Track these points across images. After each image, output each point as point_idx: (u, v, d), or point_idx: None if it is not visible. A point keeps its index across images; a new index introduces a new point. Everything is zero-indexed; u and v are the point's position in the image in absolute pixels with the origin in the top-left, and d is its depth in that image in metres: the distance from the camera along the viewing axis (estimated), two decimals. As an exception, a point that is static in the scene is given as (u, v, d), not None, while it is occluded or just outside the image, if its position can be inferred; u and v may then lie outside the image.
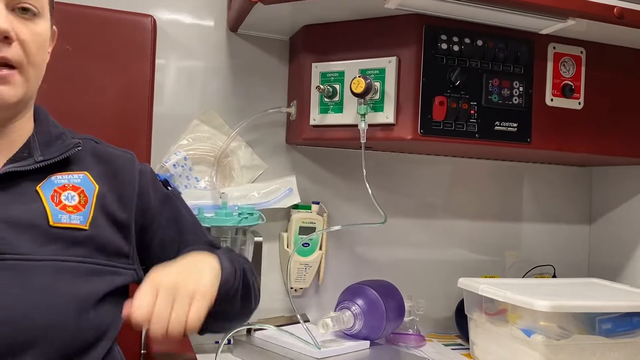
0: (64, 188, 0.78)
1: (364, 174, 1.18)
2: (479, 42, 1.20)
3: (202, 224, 1.00)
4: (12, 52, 0.72)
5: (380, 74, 1.19)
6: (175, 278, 0.71)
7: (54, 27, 0.84)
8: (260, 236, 1.29)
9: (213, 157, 1.37)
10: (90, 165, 0.82)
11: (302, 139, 1.33)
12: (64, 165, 0.80)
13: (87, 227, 0.76)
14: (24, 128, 0.80)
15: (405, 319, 1.35)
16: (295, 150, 1.47)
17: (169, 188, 0.92)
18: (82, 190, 0.79)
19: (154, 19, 1.26)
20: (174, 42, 1.37)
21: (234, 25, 1.37)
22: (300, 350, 1.15)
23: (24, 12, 0.74)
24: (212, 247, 0.94)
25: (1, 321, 0.67)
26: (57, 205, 0.76)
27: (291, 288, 1.42)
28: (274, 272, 1.44)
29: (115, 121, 1.22)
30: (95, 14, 1.23)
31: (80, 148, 0.81)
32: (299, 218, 1.39)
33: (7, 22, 0.71)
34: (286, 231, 1.43)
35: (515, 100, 1.24)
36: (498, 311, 1.21)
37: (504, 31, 1.22)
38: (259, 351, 1.21)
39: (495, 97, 1.22)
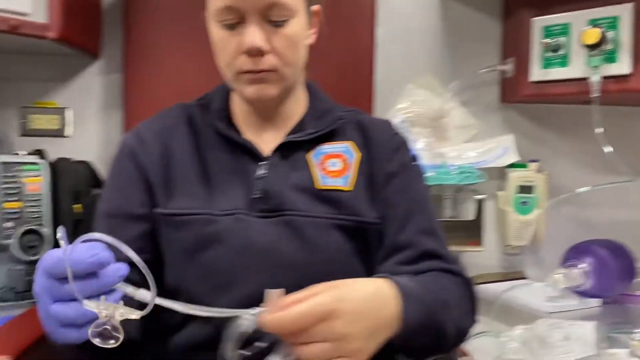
0: (329, 156, 0.87)
1: (595, 130, 1.14)
2: None
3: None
4: (266, 63, 0.79)
5: (613, 22, 1.13)
6: (349, 322, 0.61)
7: (315, 7, 0.88)
8: (482, 194, 1.31)
9: (428, 118, 1.42)
10: (353, 135, 0.90)
11: (521, 97, 1.32)
12: (331, 135, 0.89)
13: (348, 189, 0.85)
14: (297, 105, 0.91)
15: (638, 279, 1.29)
16: (510, 108, 1.46)
17: (414, 163, 0.93)
18: (345, 158, 0.87)
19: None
20: (392, 8, 1.43)
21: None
22: (527, 304, 1.17)
23: (276, 24, 0.79)
24: (427, 255, 0.85)
25: (286, 267, 0.79)
26: (323, 170, 0.86)
27: (507, 245, 1.44)
28: (489, 230, 1.46)
29: (339, 86, 1.30)
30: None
31: (344, 120, 0.90)
32: (517, 177, 1.38)
33: (259, 39, 0.77)
34: (502, 190, 1.43)
35: None
36: None
37: None
38: (480, 303, 1.25)
39: None
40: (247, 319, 0.59)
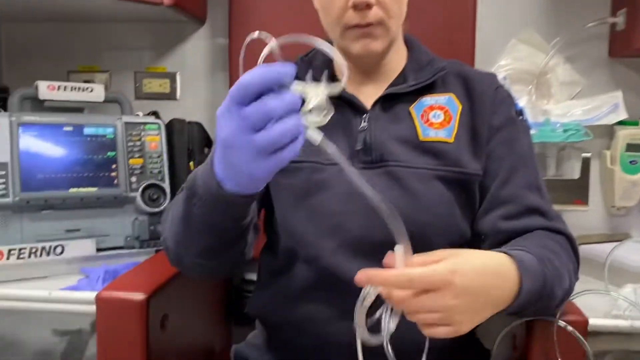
0: (431, 108, 0.88)
1: None
2: None
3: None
4: (373, 16, 0.81)
5: None
6: (459, 295, 0.62)
7: None
8: (588, 152, 1.28)
9: (531, 75, 1.38)
10: (455, 87, 0.90)
11: (632, 50, 1.25)
12: (432, 87, 0.90)
13: (451, 141, 0.86)
14: (398, 58, 0.92)
15: None
16: (619, 63, 1.39)
17: (520, 118, 0.93)
18: (447, 110, 0.88)
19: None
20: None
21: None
22: (635, 264, 1.14)
23: None
24: (530, 211, 0.85)
25: None
26: (425, 122, 0.87)
27: (613, 206, 1.39)
28: (593, 189, 1.41)
29: (440, 42, 1.27)
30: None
31: (445, 71, 0.90)
32: (626, 135, 1.33)
33: None
34: (608, 148, 1.38)
35: None
36: None
37: None
38: (585, 262, 1.22)
39: None
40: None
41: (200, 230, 0.72)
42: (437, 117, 0.87)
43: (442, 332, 0.62)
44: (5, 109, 1.16)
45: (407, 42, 0.95)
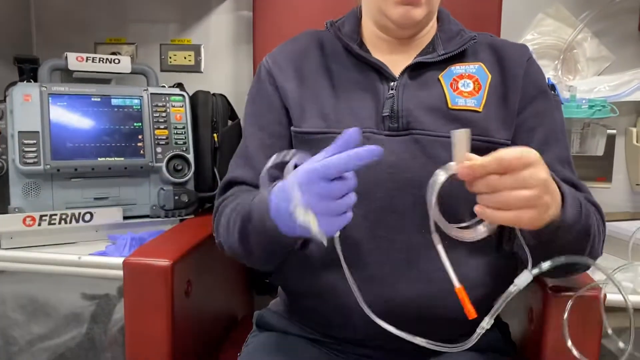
0: (461, 77, 0.88)
1: None
2: None
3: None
4: None
5: None
6: (545, 179, 0.65)
7: None
8: (613, 129, 1.26)
9: (558, 50, 1.36)
10: (484, 57, 0.90)
11: (664, 25, 1.23)
12: (462, 57, 0.90)
13: (480, 110, 0.86)
14: (430, 29, 0.92)
15: None
16: (649, 38, 1.36)
17: (553, 93, 0.93)
18: (477, 79, 0.88)
19: None
20: None
21: None
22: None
23: None
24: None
25: (414, 183, 0.82)
26: (454, 91, 0.87)
27: (638, 184, 1.38)
28: (618, 167, 1.40)
29: (466, 15, 1.25)
30: None
31: (475, 41, 0.90)
32: (654, 111, 1.31)
33: None
34: (634, 125, 1.36)
35: None
36: None
37: None
38: (608, 240, 1.22)
39: None
40: (441, 174, 0.67)
41: (258, 254, 0.81)
42: (467, 86, 0.88)
43: (527, 216, 0.64)
44: (35, 80, 1.19)
45: (438, 13, 0.94)
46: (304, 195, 0.65)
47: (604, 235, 0.84)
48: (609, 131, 1.26)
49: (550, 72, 1.36)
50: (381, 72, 0.88)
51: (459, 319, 0.73)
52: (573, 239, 0.73)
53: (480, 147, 0.85)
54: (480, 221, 0.68)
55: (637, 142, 1.34)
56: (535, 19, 1.38)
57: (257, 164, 0.88)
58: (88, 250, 1.08)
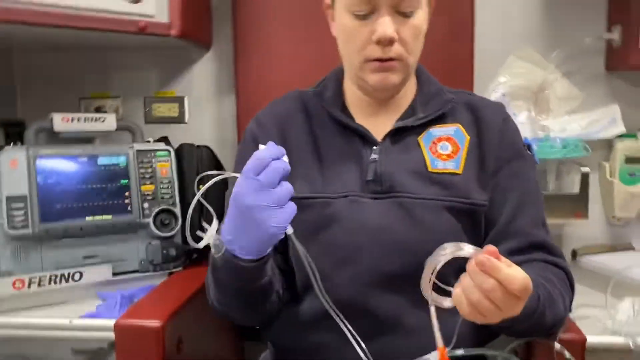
0: (439, 139, 0.91)
1: None
2: None
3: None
4: (394, 52, 0.84)
5: None
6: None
7: None
8: (587, 167, 1.31)
9: (530, 91, 1.41)
10: (462, 117, 0.93)
11: (629, 65, 1.29)
12: (441, 118, 0.92)
13: (460, 172, 0.89)
14: (408, 92, 0.95)
15: None
16: (616, 77, 1.42)
17: (528, 152, 0.95)
18: (455, 141, 0.91)
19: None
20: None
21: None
22: (635, 276, 1.16)
23: (405, 15, 0.84)
24: (536, 246, 0.89)
25: (398, 245, 0.85)
26: (433, 154, 0.90)
27: (613, 217, 1.42)
28: (593, 201, 1.44)
29: (439, 59, 1.25)
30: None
31: (452, 105, 0.93)
32: (625, 147, 1.36)
33: (391, 29, 0.82)
34: (607, 160, 1.41)
35: None
36: None
37: None
38: (587, 274, 1.25)
39: None
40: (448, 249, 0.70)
41: (230, 294, 0.84)
42: (445, 149, 0.90)
43: (483, 320, 0.68)
44: (22, 141, 1.21)
45: (416, 72, 0.97)
46: (245, 197, 0.70)
47: (571, 297, 0.88)
48: (582, 169, 1.31)
49: (524, 112, 1.41)
50: (364, 137, 0.91)
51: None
52: (530, 323, 0.77)
53: (462, 209, 0.88)
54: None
55: (610, 176, 1.39)
56: (507, 61, 1.43)
57: None
58: (78, 310, 1.09)
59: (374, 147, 0.90)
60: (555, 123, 1.38)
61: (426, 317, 0.84)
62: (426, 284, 0.70)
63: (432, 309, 0.70)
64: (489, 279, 0.65)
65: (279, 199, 0.71)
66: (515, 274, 0.66)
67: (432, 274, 0.69)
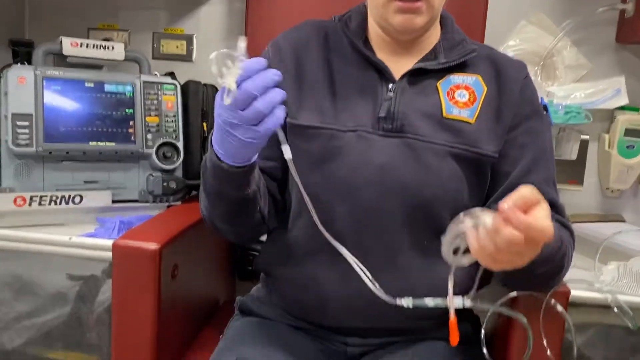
0: (458, 87, 0.90)
1: None
2: None
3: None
4: None
5: None
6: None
7: None
8: (587, 135, 1.32)
9: (538, 56, 1.41)
10: (483, 69, 0.92)
11: (639, 38, 1.29)
12: (461, 67, 0.92)
13: (473, 122, 0.88)
14: (432, 36, 0.94)
15: None
16: (625, 49, 1.42)
17: (545, 113, 0.98)
18: (473, 91, 0.90)
19: None
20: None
21: None
22: (623, 244, 1.19)
23: None
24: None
25: (399, 185, 0.85)
26: (450, 100, 0.89)
27: (607, 188, 1.44)
28: (589, 172, 1.46)
29: None
30: None
31: (475, 54, 0.92)
32: (625, 120, 1.37)
33: None
34: (607, 132, 1.43)
35: None
36: None
37: None
38: (577, 240, 1.27)
39: None
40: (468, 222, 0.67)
41: (213, 199, 0.85)
42: (462, 97, 0.90)
43: (504, 266, 0.67)
44: (29, 63, 1.21)
45: (442, 19, 0.96)
46: (220, 114, 0.71)
47: (572, 253, 0.89)
48: (582, 136, 1.32)
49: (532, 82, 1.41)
50: (382, 73, 0.90)
51: (434, 314, 0.78)
52: (545, 271, 0.79)
53: (468, 158, 0.88)
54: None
55: (608, 148, 1.40)
56: (518, 25, 1.43)
57: None
58: (77, 231, 1.10)
59: (391, 85, 0.89)
60: (560, 90, 1.39)
61: (419, 259, 0.87)
62: (448, 249, 0.69)
63: (450, 277, 0.71)
64: (513, 232, 0.62)
65: (248, 119, 0.70)
66: (542, 225, 0.63)
67: (455, 239, 0.69)
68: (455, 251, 0.70)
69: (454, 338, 0.72)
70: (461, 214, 0.67)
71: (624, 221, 1.44)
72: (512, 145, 0.90)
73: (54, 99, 1.16)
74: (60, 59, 1.25)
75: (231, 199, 0.83)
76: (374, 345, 0.93)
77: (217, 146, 0.77)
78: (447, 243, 0.69)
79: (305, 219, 0.89)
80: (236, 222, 0.89)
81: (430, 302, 0.75)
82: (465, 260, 0.69)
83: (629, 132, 1.37)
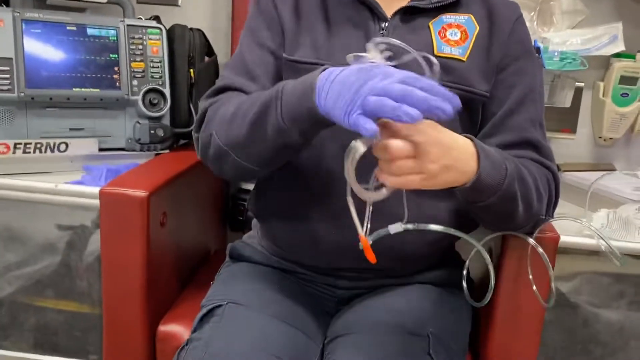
0: (450, 26, 0.91)
1: None
2: None
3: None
4: None
5: None
6: (442, 155, 0.69)
7: None
8: (582, 82, 1.30)
9: (534, 1, 1.38)
10: (475, 9, 0.92)
11: (639, -19, 1.25)
12: (454, 6, 0.92)
13: (464, 59, 0.89)
14: None
15: None
16: (624, -5, 1.39)
17: (537, 55, 0.96)
18: (465, 29, 0.90)
19: None
20: None
21: None
22: (614, 192, 1.19)
23: None
24: (528, 144, 0.89)
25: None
26: (442, 39, 0.89)
27: (600, 137, 1.44)
28: (582, 122, 1.45)
29: None
30: None
31: None
32: (621, 67, 1.35)
33: None
34: (602, 80, 1.41)
35: None
36: None
37: None
38: (568, 188, 1.28)
39: None
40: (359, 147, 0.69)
41: (265, 139, 0.77)
42: (454, 35, 0.90)
43: (414, 180, 0.68)
44: (7, 4, 1.16)
45: None
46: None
47: (554, 201, 0.89)
48: (577, 84, 1.30)
49: (526, 22, 1.38)
50: (374, 12, 0.90)
51: (418, 254, 0.78)
52: (498, 200, 0.77)
53: (460, 95, 0.88)
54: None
55: (603, 96, 1.39)
56: (515, -32, 1.38)
57: (258, 77, 0.90)
58: (63, 179, 1.09)
59: (383, 23, 0.89)
60: (556, 36, 1.36)
61: (413, 204, 0.87)
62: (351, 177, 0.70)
63: (351, 206, 0.71)
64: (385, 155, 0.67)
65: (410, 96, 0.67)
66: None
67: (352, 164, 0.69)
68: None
69: (370, 257, 0.72)
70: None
71: (615, 170, 1.43)
72: (502, 85, 0.90)
73: (34, 42, 1.12)
74: (40, 1, 1.21)
75: (285, 148, 0.78)
76: (363, 288, 0.94)
77: (333, 95, 0.71)
78: (355, 184, 0.70)
79: (303, 156, 0.88)
80: (268, 166, 0.84)
81: (402, 227, 0.75)
82: (380, 195, 0.71)
83: (624, 80, 1.35)
